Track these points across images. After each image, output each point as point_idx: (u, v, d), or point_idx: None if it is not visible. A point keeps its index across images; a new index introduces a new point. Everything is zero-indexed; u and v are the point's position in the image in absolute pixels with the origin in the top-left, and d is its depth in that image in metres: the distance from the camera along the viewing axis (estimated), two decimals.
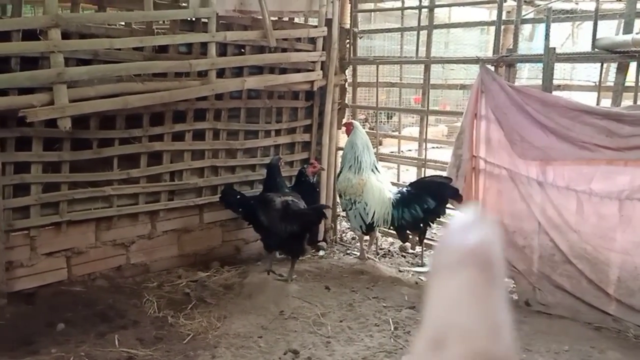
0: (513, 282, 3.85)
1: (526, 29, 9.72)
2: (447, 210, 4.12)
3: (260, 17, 4.07)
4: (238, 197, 4.14)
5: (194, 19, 3.90)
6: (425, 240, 4.60)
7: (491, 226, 0.37)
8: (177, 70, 3.77)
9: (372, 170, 4.32)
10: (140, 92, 3.56)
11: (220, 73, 4.03)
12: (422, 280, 4.14)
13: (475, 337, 0.32)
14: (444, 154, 5.41)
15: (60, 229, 3.59)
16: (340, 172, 4.48)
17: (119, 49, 3.52)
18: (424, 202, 4.00)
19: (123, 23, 3.71)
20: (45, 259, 3.55)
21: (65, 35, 3.29)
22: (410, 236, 4.38)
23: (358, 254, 4.57)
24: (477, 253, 0.35)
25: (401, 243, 4.58)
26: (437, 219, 4.13)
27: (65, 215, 3.57)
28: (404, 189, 4.21)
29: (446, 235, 0.38)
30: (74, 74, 3.29)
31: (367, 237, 4.56)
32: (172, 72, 3.77)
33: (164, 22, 4.00)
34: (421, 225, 4.11)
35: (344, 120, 4.86)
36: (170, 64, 3.73)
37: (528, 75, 7.63)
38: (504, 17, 4.11)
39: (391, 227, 4.28)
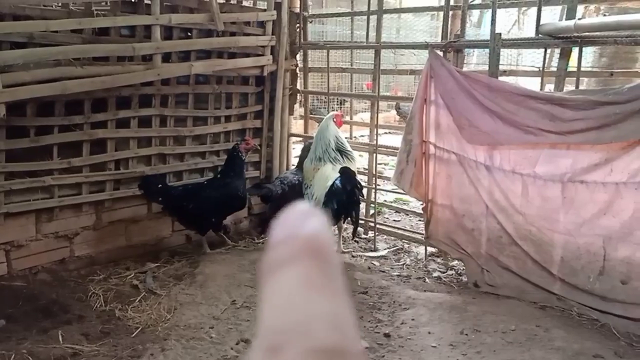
0: (463, 264, 3.93)
1: (475, 14, 9.91)
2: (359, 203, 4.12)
3: None
4: (160, 186, 4.01)
5: (136, 0, 3.74)
6: (378, 225, 4.65)
7: (321, 216, 0.34)
8: (120, 54, 3.62)
9: (333, 159, 4.24)
10: (80, 76, 3.40)
11: (166, 57, 3.91)
12: (374, 265, 4.18)
13: (314, 333, 0.28)
14: (397, 139, 5.46)
15: None
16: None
17: (56, 32, 3.35)
18: (339, 197, 3.95)
19: (60, 4, 3.52)
20: None
21: None
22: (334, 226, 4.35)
23: None
24: (309, 243, 0.32)
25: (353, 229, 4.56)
26: (349, 214, 4.07)
27: (2, 207, 3.38)
28: (335, 180, 4.06)
29: (275, 229, 0.34)
30: (7, 58, 3.11)
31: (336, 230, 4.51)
32: (114, 56, 3.62)
33: (106, 3, 3.82)
34: (340, 216, 4.10)
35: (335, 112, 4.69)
36: (112, 47, 3.58)
37: (477, 60, 7.78)
38: (452, 3, 4.14)
39: None
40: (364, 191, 4.76)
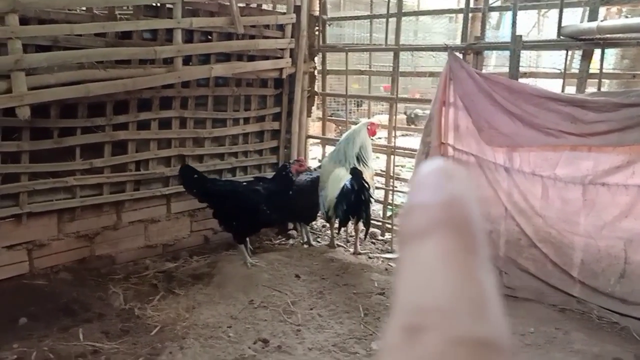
0: None
1: (493, 17, 9.84)
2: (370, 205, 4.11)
3: (227, 3, 4.00)
4: (195, 176, 3.98)
5: (158, 4, 3.80)
6: (395, 227, 4.63)
7: (464, 177, 0.30)
8: (142, 57, 3.69)
9: (348, 162, 4.24)
10: (102, 79, 3.47)
11: (187, 60, 3.96)
12: (391, 266, 4.16)
13: (455, 318, 0.25)
14: (413, 141, 5.45)
15: (21, 221, 3.48)
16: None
17: (80, 35, 3.42)
18: (348, 198, 3.96)
19: (84, 8, 3.59)
20: (6, 252, 3.44)
21: (24, 21, 3.18)
22: (343, 229, 4.39)
23: (328, 241, 4.56)
24: (449, 211, 0.28)
25: (369, 229, 4.55)
26: (358, 214, 4.04)
27: (25, 206, 3.45)
28: (346, 184, 4.06)
29: (411, 192, 0.30)
30: (32, 61, 3.18)
31: (353, 232, 4.53)
32: (136, 59, 3.68)
33: (128, 7, 3.88)
34: (349, 217, 4.08)
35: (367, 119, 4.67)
36: (134, 51, 3.64)
37: (495, 63, 7.73)
38: (471, 5, 4.12)
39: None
40: (382, 193, 4.77)
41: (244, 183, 4.20)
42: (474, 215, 0.29)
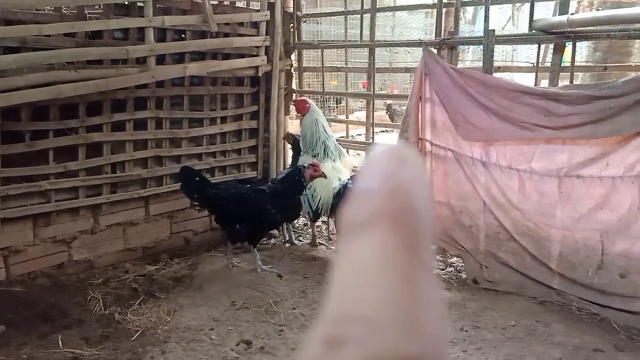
0: (462, 261, 3.94)
1: (469, 12, 9.93)
2: None
3: (200, 1, 3.95)
4: (197, 179, 3.88)
5: (129, 3, 3.74)
6: None
7: (418, 164, 0.26)
8: (114, 57, 3.62)
9: (332, 155, 4.24)
10: (74, 80, 3.40)
11: (161, 60, 3.90)
12: None
13: (380, 331, 0.22)
14: (393, 138, 5.46)
15: None
16: (300, 154, 4.40)
17: (49, 36, 3.34)
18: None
19: (52, 8, 3.51)
20: None
21: None
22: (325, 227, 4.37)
23: (310, 240, 4.56)
24: (393, 202, 0.24)
25: None
26: None
27: None
28: (346, 181, 4.06)
29: (360, 176, 0.27)
30: (1, 64, 3.11)
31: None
32: (108, 59, 3.61)
33: (99, 6, 3.80)
34: None
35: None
36: (106, 51, 3.58)
37: (472, 57, 7.78)
38: (445, 0, 4.14)
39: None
40: None
41: (248, 185, 4.04)
42: (422, 208, 0.24)
